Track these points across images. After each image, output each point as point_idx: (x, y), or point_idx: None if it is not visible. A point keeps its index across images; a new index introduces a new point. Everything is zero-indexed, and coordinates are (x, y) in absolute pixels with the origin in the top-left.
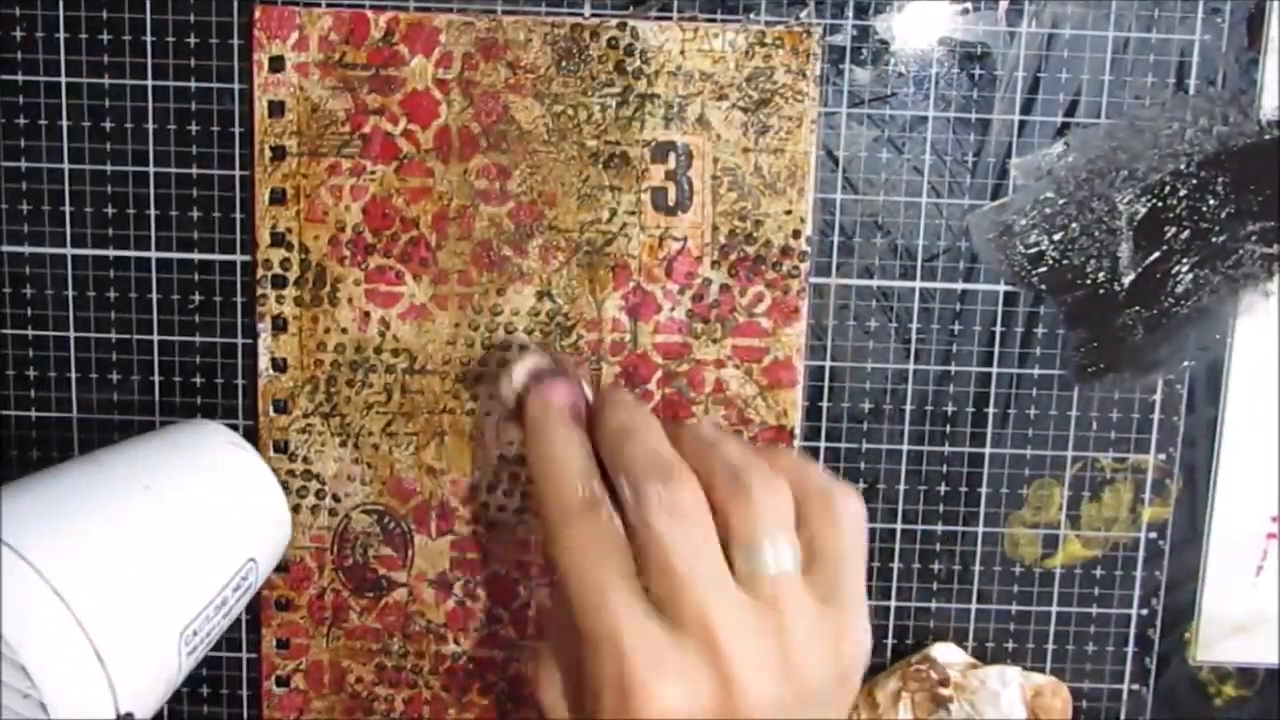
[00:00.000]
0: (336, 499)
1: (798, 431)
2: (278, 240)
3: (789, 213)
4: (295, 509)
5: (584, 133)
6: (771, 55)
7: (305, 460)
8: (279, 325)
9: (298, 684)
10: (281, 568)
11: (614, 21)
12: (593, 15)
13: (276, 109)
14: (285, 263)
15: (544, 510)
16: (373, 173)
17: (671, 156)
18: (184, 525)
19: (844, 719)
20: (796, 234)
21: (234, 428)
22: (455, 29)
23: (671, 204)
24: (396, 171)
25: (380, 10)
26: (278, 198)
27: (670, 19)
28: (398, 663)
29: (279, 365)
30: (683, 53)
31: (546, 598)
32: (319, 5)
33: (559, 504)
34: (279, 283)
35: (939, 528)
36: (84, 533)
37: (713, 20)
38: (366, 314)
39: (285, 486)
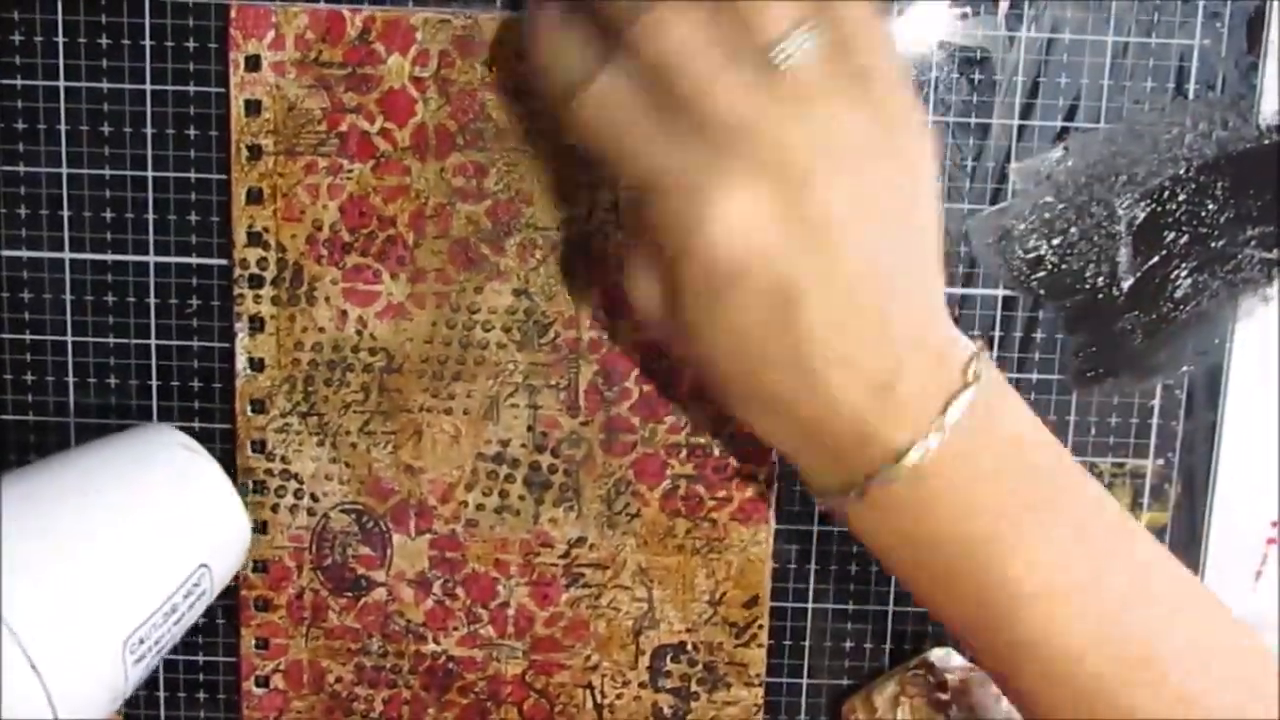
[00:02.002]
0: (315, 498)
1: None
2: (254, 239)
3: None
4: (274, 509)
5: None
6: None
7: (283, 460)
8: (256, 325)
9: (277, 684)
10: (260, 568)
11: None
12: None
13: (253, 108)
14: (262, 262)
15: (554, 106)
16: (349, 171)
17: None
18: (126, 530)
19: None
20: None
21: (229, 434)
22: (432, 27)
23: None
24: (373, 170)
25: (356, 9)
26: (254, 197)
27: None
28: (377, 662)
29: (256, 365)
30: None
31: (526, 596)
32: (295, 3)
33: (564, 83)
34: (256, 282)
35: None
36: (18, 539)
37: None
38: (344, 313)
39: (263, 486)
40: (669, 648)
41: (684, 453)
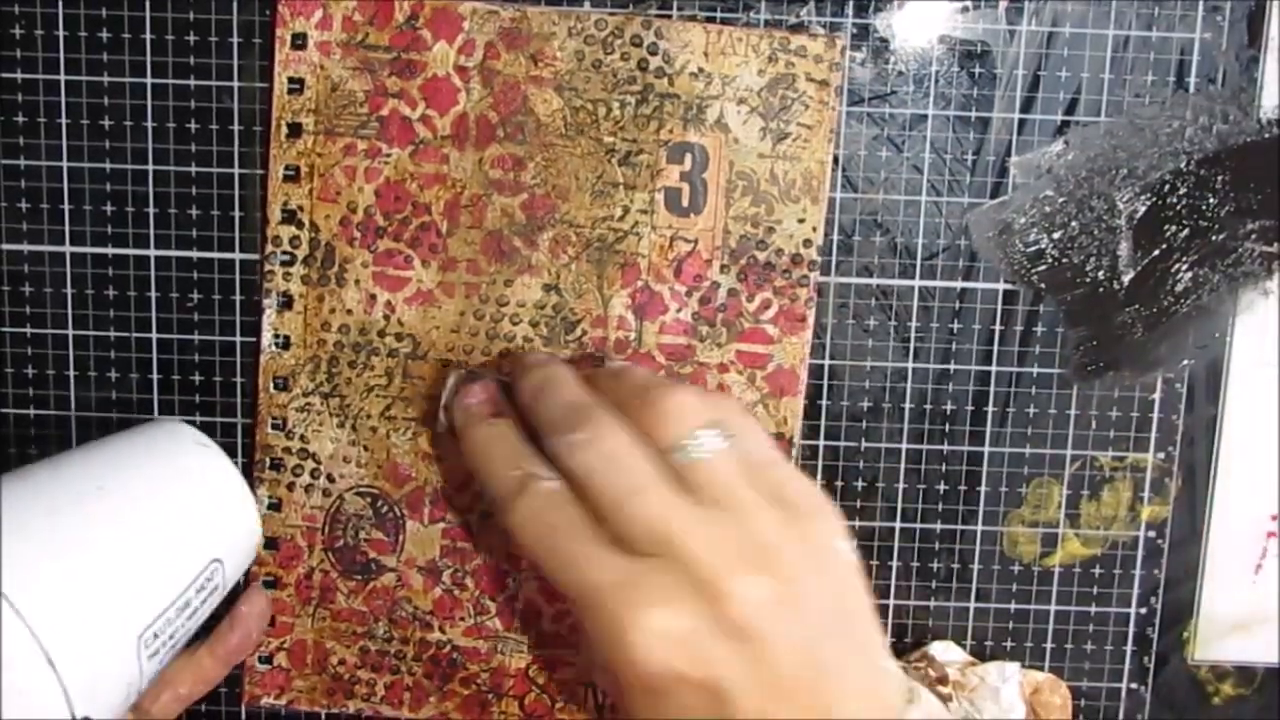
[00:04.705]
0: (331, 479)
1: (796, 440)
2: (288, 217)
3: (802, 221)
4: (289, 487)
5: (601, 128)
6: (794, 63)
7: (302, 439)
8: (284, 302)
9: (280, 662)
10: (271, 545)
11: (638, 19)
12: (590, 12)
13: (296, 86)
14: (295, 240)
15: (493, 506)
16: (388, 156)
17: (687, 158)
18: (140, 526)
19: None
20: (808, 243)
21: (231, 427)
22: (480, 17)
23: (685, 205)
24: (412, 156)
25: None
26: (291, 175)
27: (669, 16)
28: (381, 647)
29: (282, 342)
30: (706, 55)
31: (535, 591)
32: None
33: (498, 493)
34: (287, 260)
35: (938, 526)
36: (33, 535)
37: (712, 20)
38: (373, 296)
39: (280, 464)
40: None
41: None
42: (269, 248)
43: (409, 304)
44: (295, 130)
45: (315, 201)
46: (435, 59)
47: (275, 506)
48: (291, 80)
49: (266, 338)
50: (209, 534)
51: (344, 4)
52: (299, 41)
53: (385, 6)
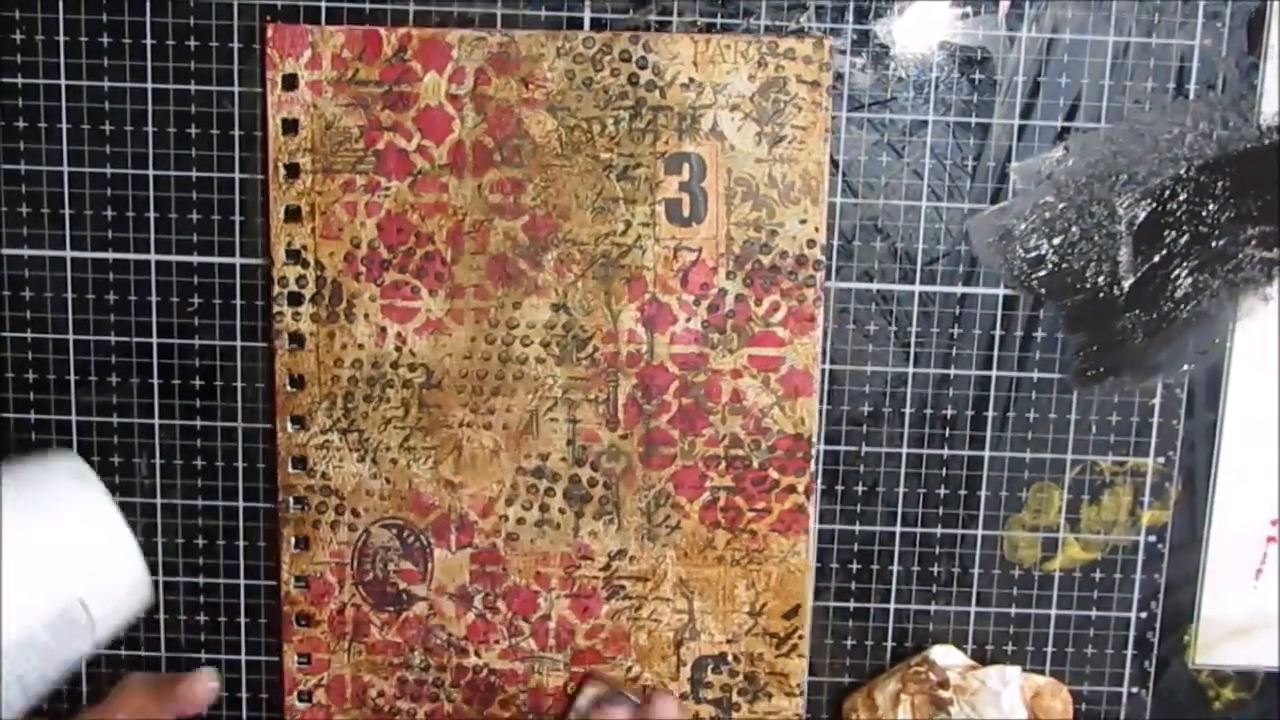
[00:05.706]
0: (355, 514)
1: (815, 439)
2: (293, 257)
3: (804, 221)
4: (315, 525)
5: (597, 145)
6: (784, 66)
7: (324, 476)
8: (296, 342)
9: (320, 699)
10: (302, 583)
11: (625, 34)
12: (593, 17)
13: (290, 126)
14: (301, 279)
15: None
16: (387, 189)
17: (685, 168)
18: None
19: None
20: (811, 243)
21: (232, 430)
22: (468, 44)
23: (686, 215)
24: (411, 187)
25: (393, 27)
26: (293, 215)
27: (670, 21)
28: (419, 676)
29: (296, 382)
30: (695, 64)
31: (566, 609)
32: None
33: None
34: (295, 300)
35: (938, 530)
36: None
37: (712, 27)
38: (383, 329)
39: (304, 503)
40: (710, 658)
41: (723, 465)
42: (275, 289)
43: (419, 334)
44: (293, 170)
45: (318, 240)
46: (427, 89)
47: (302, 544)
48: (285, 121)
49: (280, 379)
50: (68, 571)
51: (332, 41)
52: (290, 82)
53: (373, 41)
